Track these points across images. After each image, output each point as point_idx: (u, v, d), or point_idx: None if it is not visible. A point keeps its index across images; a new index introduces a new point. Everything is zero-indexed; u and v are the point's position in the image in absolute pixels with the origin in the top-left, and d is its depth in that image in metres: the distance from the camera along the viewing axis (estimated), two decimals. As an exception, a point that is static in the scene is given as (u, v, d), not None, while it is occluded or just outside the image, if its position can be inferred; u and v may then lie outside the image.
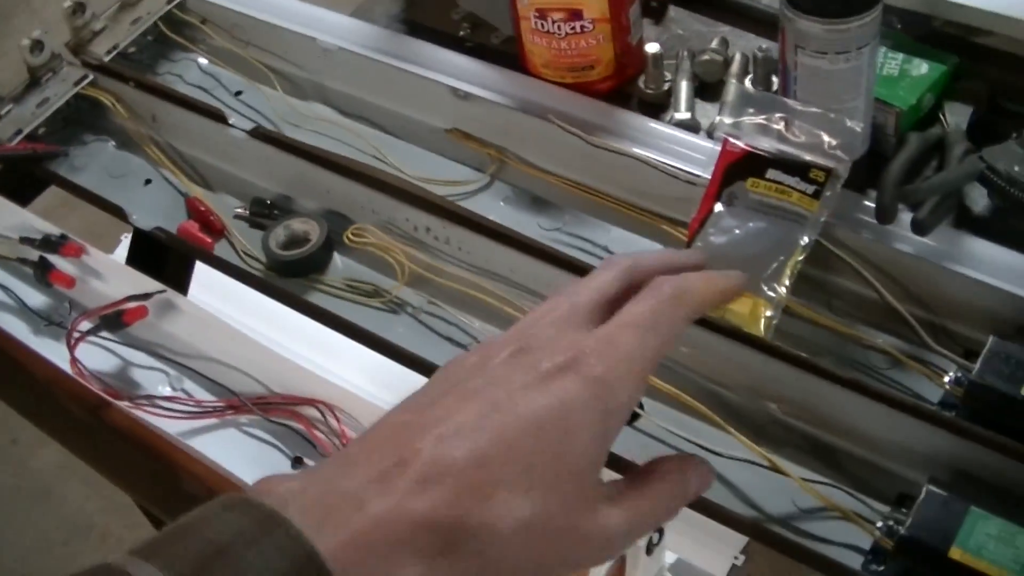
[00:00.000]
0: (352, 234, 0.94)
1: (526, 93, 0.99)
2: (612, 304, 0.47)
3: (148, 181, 1.05)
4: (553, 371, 0.43)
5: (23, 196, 1.06)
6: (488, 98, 0.99)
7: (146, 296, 0.87)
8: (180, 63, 1.15)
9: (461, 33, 1.10)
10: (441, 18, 1.12)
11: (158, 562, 0.37)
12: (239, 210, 1.00)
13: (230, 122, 1.02)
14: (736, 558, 1.01)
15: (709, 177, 0.88)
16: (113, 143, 1.10)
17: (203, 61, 1.14)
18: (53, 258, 0.92)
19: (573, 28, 0.97)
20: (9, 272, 0.95)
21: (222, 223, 0.98)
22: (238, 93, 1.10)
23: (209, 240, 0.98)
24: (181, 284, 1.12)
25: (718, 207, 0.87)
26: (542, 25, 0.98)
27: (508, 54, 1.06)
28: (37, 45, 1.08)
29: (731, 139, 0.88)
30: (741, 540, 1.02)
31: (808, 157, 0.86)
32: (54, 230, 0.94)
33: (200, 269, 1.08)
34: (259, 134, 1.01)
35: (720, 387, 0.84)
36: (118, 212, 1.01)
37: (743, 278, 0.54)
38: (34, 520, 1.85)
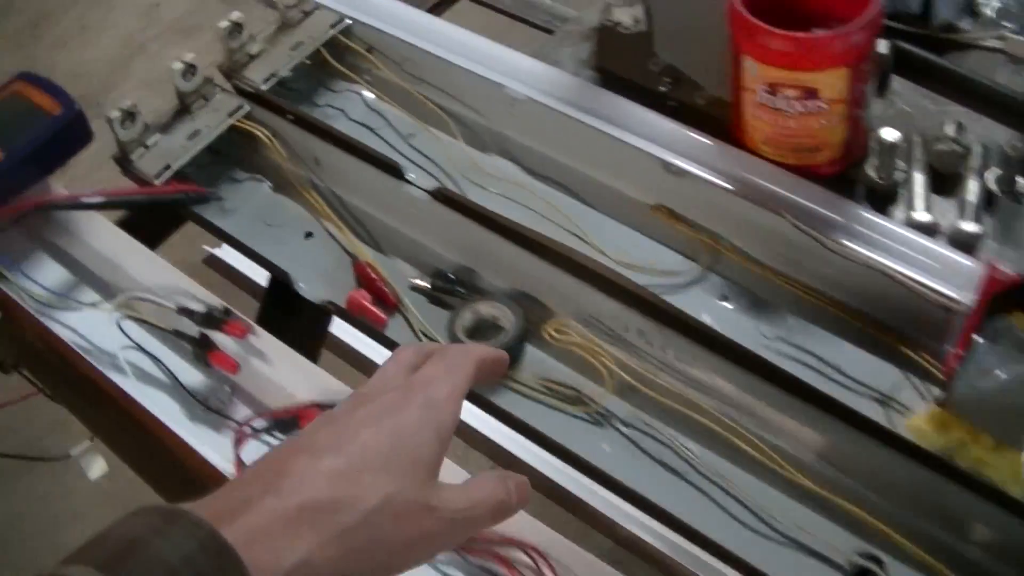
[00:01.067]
0: (553, 330, 0.84)
1: (746, 173, 0.88)
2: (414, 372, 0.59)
3: (309, 234, 0.95)
4: (389, 405, 0.54)
5: (156, 236, 0.97)
6: (703, 176, 0.88)
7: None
8: (343, 95, 1.04)
9: (660, 88, 0.98)
10: (637, 69, 1.00)
11: (82, 561, 0.44)
12: (417, 281, 0.89)
13: (408, 178, 0.91)
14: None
15: (964, 300, 0.79)
16: (268, 185, 0.99)
17: (369, 95, 1.02)
18: (214, 334, 0.82)
19: (806, 107, 0.86)
20: (162, 342, 0.85)
21: (397, 296, 0.88)
22: (409, 136, 0.99)
23: (383, 316, 0.87)
24: (314, 337, 1.04)
25: (980, 341, 0.77)
26: (771, 101, 0.87)
27: (713, 117, 0.95)
28: (190, 69, 0.97)
29: (998, 265, 0.78)
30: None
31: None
32: (216, 301, 0.83)
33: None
34: (442, 196, 0.90)
35: (970, 545, 0.74)
36: (281, 275, 0.90)
37: (504, 353, 0.64)
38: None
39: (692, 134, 0.91)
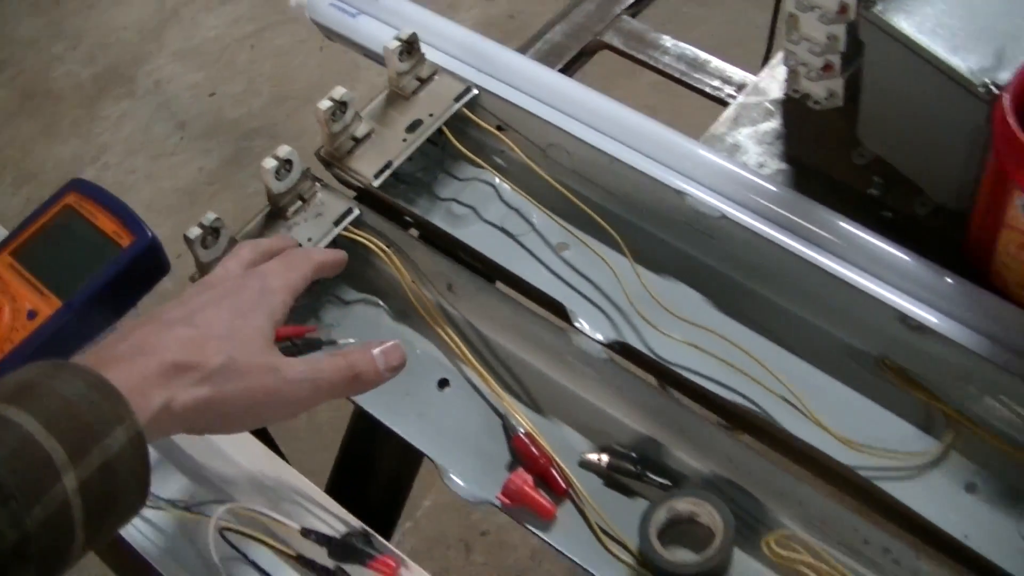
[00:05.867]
0: (775, 544, 0.67)
1: (1008, 330, 0.70)
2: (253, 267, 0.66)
3: (444, 383, 0.76)
4: (229, 289, 0.62)
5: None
6: (949, 337, 0.70)
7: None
8: (472, 186, 0.84)
9: (870, 191, 0.79)
10: (837, 161, 0.81)
11: None
12: (589, 456, 0.71)
13: (578, 325, 0.73)
14: None
15: None
16: (386, 311, 0.79)
17: (505, 188, 0.82)
18: (353, 568, 0.64)
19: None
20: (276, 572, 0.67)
21: (568, 482, 0.70)
22: (560, 247, 0.80)
23: (550, 507, 0.70)
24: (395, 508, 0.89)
25: None
26: (1045, 243, 0.69)
27: (936, 231, 0.77)
28: (284, 166, 0.77)
29: None
30: None
31: None
32: (354, 523, 0.66)
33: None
34: (621, 348, 0.72)
35: None
36: (415, 457, 0.72)
37: (342, 254, 0.71)
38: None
39: (933, 272, 0.73)
